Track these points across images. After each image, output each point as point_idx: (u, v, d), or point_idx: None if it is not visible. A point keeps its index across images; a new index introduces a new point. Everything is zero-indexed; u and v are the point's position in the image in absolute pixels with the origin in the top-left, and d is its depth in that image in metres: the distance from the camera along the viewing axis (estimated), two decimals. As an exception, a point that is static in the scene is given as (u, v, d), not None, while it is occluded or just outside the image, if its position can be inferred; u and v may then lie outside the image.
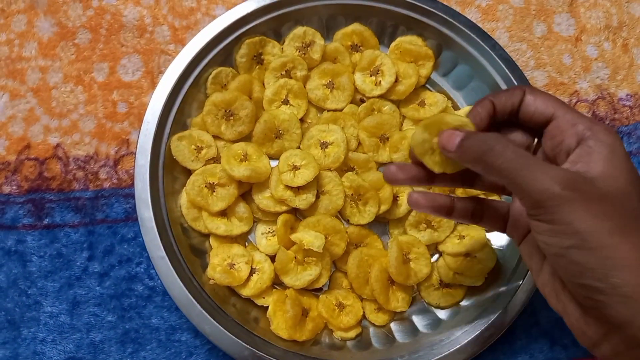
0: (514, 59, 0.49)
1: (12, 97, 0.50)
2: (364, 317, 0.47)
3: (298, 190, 0.46)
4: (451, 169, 0.33)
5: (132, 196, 0.46)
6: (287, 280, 0.45)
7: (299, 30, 0.49)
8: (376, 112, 0.50)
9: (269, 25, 0.49)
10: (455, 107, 0.51)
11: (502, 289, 0.45)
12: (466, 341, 0.43)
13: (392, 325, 0.47)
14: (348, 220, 0.47)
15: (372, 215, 0.47)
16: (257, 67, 0.50)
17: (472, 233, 0.48)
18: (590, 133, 0.30)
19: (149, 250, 0.43)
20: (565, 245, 0.27)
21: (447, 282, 0.47)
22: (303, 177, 0.45)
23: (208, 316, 0.41)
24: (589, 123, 0.30)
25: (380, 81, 0.49)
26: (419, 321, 0.47)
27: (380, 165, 0.50)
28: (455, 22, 0.49)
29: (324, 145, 0.48)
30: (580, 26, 0.56)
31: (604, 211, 0.27)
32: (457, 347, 0.43)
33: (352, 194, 0.47)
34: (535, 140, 0.34)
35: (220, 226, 0.46)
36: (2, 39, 0.51)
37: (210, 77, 0.48)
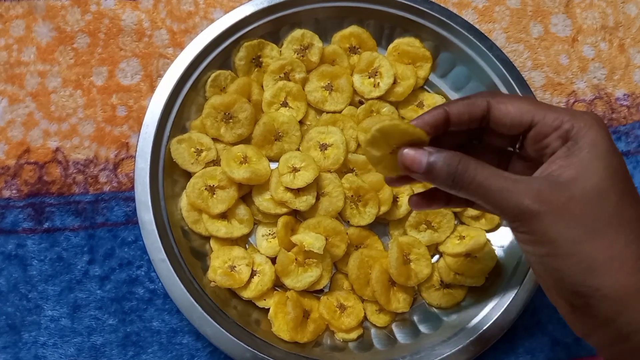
0: (511, 60, 0.49)
1: (11, 101, 0.50)
2: (365, 318, 0.47)
3: (298, 192, 0.46)
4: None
5: (132, 199, 0.46)
6: (288, 282, 0.45)
7: (297, 32, 0.49)
8: (375, 114, 0.50)
9: (267, 28, 0.49)
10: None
11: (503, 288, 0.45)
12: (468, 341, 0.43)
13: (394, 326, 0.47)
14: (348, 222, 0.48)
15: (372, 217, 0.47)
16: (256, 69, 0.50)
17: (472, 233, 0.48)
18: (573, 132, 0.29)
19: (149, 253, 0.43)
20: (542, 253, 0.29)
21: (448, 282, 0.47)
22: (303, 178, 0.45)
23: (209, 318, 0.41)
24: (571, 121, 0.29)
25: (378, 83, 0.50)
26: (420, 322, 0.47)
27: (379, 166, 0.50)
28: (452, 24, 0.49)
29: (323, 147, 0.48)
30: (577, 27, 0.56)
31: (574, 217, 0.27)
32: (459, 347, 0.43)
33: (352, 196, 0.47)
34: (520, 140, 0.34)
35: (220, 228, 0.46)
36: (1, 44, 0.51)
37: (209, 80, 0.48)
